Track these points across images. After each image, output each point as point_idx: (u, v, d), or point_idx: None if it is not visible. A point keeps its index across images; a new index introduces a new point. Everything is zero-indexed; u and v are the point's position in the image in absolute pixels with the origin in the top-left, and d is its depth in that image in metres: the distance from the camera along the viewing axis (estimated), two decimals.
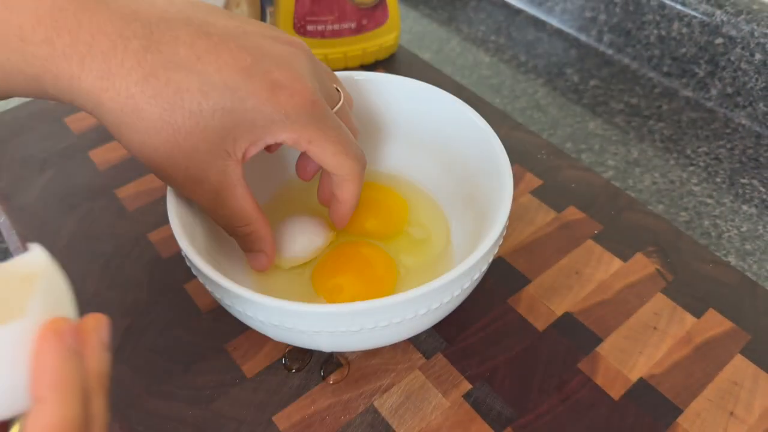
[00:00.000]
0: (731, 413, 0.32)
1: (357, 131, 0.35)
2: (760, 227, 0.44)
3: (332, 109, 0.32)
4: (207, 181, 0.29)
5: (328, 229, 0.38)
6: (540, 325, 0.36)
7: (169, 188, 0.31)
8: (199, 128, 0.27)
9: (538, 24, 0.65)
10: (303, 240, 0.36)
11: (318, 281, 0.36)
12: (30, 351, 0.16)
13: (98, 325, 0.18)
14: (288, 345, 0.35)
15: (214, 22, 0.28)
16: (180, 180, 0.29)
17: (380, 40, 0.55)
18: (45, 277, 0.17)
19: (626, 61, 0.59)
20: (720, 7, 0.51)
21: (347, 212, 0.35)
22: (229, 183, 0.29)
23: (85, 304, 0.37)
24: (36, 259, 0.17)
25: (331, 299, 0.35)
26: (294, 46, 0.30)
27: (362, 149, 0.33)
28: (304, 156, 0.36)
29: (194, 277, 0.38)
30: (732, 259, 0.42)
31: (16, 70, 0.26)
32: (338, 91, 0.34)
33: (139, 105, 0.26)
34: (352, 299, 0.34)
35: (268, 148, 0.32)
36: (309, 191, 0.40)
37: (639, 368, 0.34)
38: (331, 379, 0.33)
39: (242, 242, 0.33)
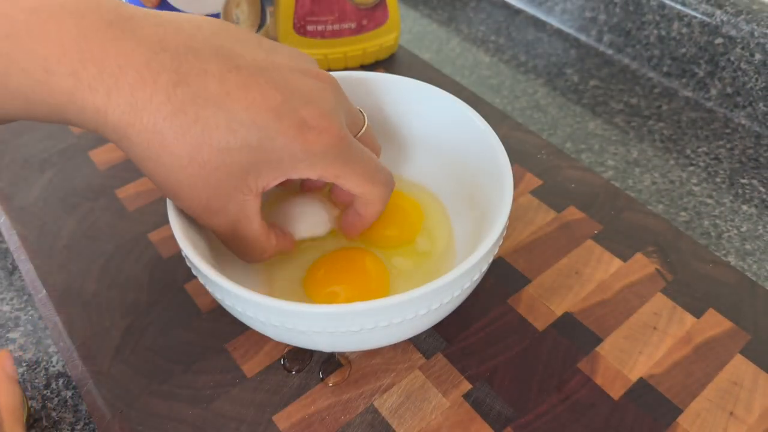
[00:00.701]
0: (731, 413, 0.32)
1: (380, 149, 0.36)
2: (759, 227, 0.44)
3: (357, 134, 0.33)
4: (225, 213, 0.29)
5: (332, 210, 0.37)
6: (540, 325, 0.36)
7: None
8: (225, 165, 0.27)
9: (538, 24, 0.65)
10: (311, 220, 0.36)
11: (311, 289, 0.35)
12: None
13: (2, 361, 0.19)
14: (287, 346, 0.35)
15: (243, 53, 0.28)
16: (198, 210, 0.29)
17: (380, 40, 0.55)
18: None
19: (626, 61, 0.59)
20: (720, 7, 0.51)
21: (363, 227, 0.35)
22: (247, 216, 0.29)
23: (85, 304, 0.37)
24: None
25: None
26: (321, 79, 0.30)
27: (389, 171, 0.33)
28: None
29: (194, 277, 0.38)
30: (732, 259, 0.42)
31: (40, 101, 0.26)
32: (361, 113, 0.34)
33: (166, 141, 0.26)
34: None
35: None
36: None
37: (639, 368, 0.34)
38: (331, 381, 0.33)
39: (250, 260, 0.33)
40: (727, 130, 0.52)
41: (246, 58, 0.28)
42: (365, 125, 0.34)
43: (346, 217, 0.35)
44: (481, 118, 0.36)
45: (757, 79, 0.50)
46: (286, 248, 0.34)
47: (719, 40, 0.51)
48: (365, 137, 0.34)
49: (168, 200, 0.31)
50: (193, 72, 0.26)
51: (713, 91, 0.54)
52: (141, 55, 0.25)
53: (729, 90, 0.53)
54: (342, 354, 0.35)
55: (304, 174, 0.29)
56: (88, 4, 0.26)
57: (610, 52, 0.60)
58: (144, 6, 0.46)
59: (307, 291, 0.35)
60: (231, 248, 0.32)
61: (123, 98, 0.25)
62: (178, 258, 0.39)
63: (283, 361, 0.34)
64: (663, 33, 0.55)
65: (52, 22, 0.25)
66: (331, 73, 0.39)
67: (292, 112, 0.28)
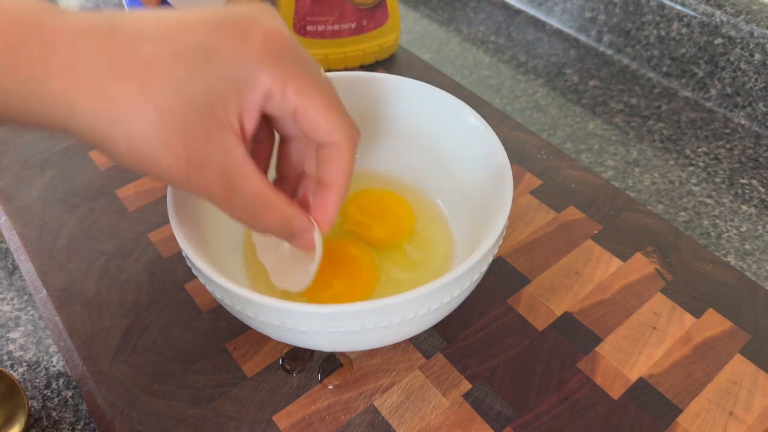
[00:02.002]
0: (731, 413, 0.32)
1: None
2: (759, 227, 0.44)
3: None
4: (211, 164, 0.26)
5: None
6: (539, 324, 0.36)
7: (169, 188, 0.31)
8: (182, 100, 0.25)
9: (538, 24, 0.65)
10: (299, 269, 0.32)
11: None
12: None
13: None
14: (286, 346, 0.35)
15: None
16: (183, 172, 0.26)
17: (380, 41, 0.55)
18: None
19: (626, 61, 0.59)
20: (719, 7, 0.51)
21: (338, 203, 0.30)
22: (237, 162, 0.26)
23: (85, 303, 0.37)
24: None
25: (315, 299, 0.35)
26: (265, 6, 0.29)
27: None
28: (284, 143, 0.33)
29: (194, 277, 0.38)
30: (731, 259, 0.42)
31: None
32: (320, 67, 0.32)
33: (111, 92, 0.24)
34: (334, 298, 0.34)
35: (271, 130, 0.30)
36: None
37: (638, 368, 0.34)
38: (330, 384, 0.33)
39: (281, 233, 0.29)
40: (727, 130, 0.52)
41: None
42: (324, 74, 0.31)
43: (314, 201, 0.31)
44: (481, 118, 0.36)
45: (756, 79, 0.50)
46: (321, 221, 0.30)
47: (719, 41, 0.52)
48: None
49: (168, 200, 0.31)
50: (126, 24, 0.25)
51: (713, 92, 0.54)
52: (73, 30, 0.24)
53: (728, 90, 0.53)
54: (342, 354, 0.35)
55: (262, 85, 0.26)
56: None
57: (609, 52, 0.60)
58: (145, 8, 0.46)
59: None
60: (241, 218, 0.28)
61: (58, 63, 0.24)
62: (178, 258, 0.39)
63: (282, 362, 0.34)
64: (663, 33, 0.55)
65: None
66: (331, 73, 0.40)
67: (234, 21, 0.26)
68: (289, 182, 0.33)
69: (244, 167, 0.27)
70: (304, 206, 0.32)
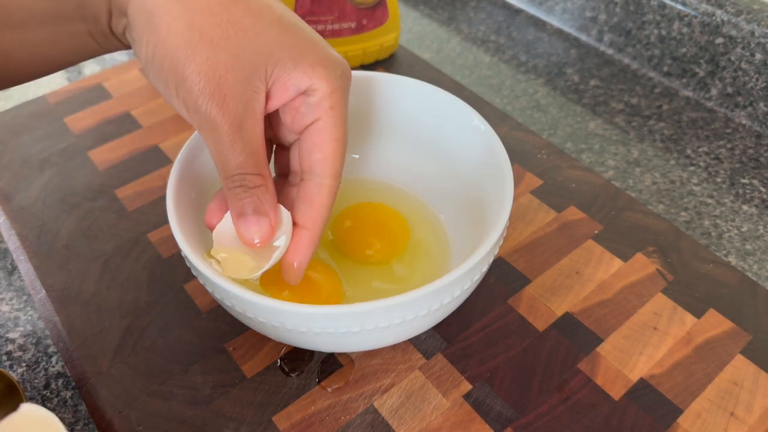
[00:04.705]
0: (732, 413, 0.32)
1: None
2: (760, 227, 0.44)
3: None
4: (235, 98, 0.26)
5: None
6: (540, 325, 0.36)
7: (169, 188, 0.31)
8: (254, 31, 0.26)
9: (538, 24, 0.65)
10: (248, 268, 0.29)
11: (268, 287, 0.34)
12: None
13: None
14: (284, 348, 0.35)
15: None
16: (208, 90, 0.25)
17: (380, 40, 0.55)
18: (54, 422, 0.22)
19: (626, 60, 0.59)
20: (720, 6, 0.51)
21: (312, 246, 0.29)
22: (255, 111, 0.27)
23: (84, 304, 0.37)
24: (41, 412, 0.22)
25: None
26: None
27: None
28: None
29: (194, 277, 0.38)
30: (732, 259, 0.42)
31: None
32: None
33: None
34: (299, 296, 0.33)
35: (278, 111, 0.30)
36: None
37: (639, 368, 0.34)
38: (329, 387, 0.33)
39: (248, 197, 0.28)
40: (728, 130, 0.52)
41: None
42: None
43: (297, 207, 0.29)
44: (482, 118, 0.36)
45: (757, 79, 0.50)
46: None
47: (720, 40, 0.51)
48: None
49: (168, 200, 0.31)
50: None
51: (714, 91, 0.54)
52: None
53: (729, 90, 0.53)
54: (342, 354, 0.35)
55: (314, 81, 0.27)
56: None
57: (610, 51, 0.60)
58: None
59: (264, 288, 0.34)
60: (230, 166, 0.27)
61: None
62: (178, 258, 0.39)
63: (281, 362, 0.34)
64: (663, 33, 0.55)
65: None
66: None
67: (321, 40, 0.28)
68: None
69: (258, 119, 0.27)
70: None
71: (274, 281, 0.33)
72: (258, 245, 0.28)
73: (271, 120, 0.31)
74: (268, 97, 0.27)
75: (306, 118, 0.28)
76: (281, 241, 0.29)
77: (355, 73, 0.39)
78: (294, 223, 0.29)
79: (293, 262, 0.29)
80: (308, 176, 0.29)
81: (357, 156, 0.42)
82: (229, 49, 0.25)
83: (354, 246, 0.38)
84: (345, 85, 0.29)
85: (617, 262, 0.39)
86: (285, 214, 0.29)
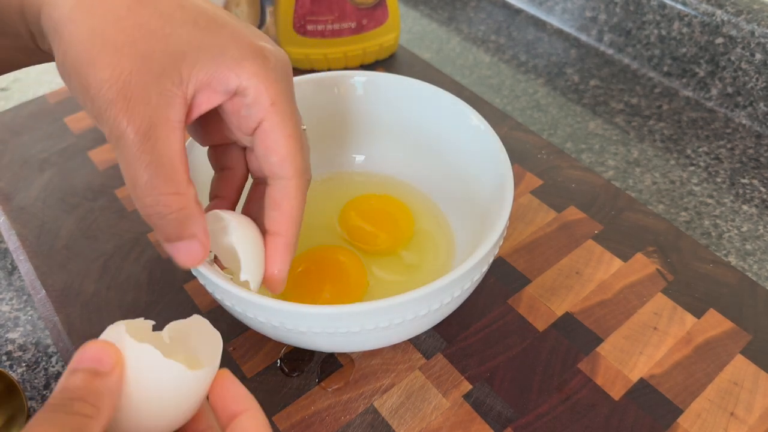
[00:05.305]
0: (732, 413, 0.32)
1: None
2: (760, 227, 0.44)
3: None
4: (142, 104, 0.23)
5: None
6: (540, 325, 0.36)
7: None
8: (163, 33, 0.24)
9: (538, 24, 0.65)
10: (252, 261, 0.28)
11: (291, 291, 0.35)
12: (208, 385, 0.22)
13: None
14: (284, 348, 0.35)
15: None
16: (115, 89, 0.23)
17: (380, 40, 0.55)
18: (218, 340, 0.23)
19: (626, 60, 0.59)
20: (720, 6, 0.51)
21: (289, 251, 0.28)
22: (167, 118, 0.24)
23: (84, 304, 0.37)
24: (203, 325, 0.23)
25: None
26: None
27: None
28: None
29: (193, 277, 0.38)
30: (732, 259, 0.42)
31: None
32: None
33: None
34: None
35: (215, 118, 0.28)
36: None
37: (639, 368, 0.34)
38: (330, 387, 0.33)
39: (166, 224, 0.25)
40: (728, 130, 0.52)
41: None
42: (303, 128, 0.29)
43: (267, 215, 0.28)
44: (482, 118, 0.36)
45: (757, 79, 0.50)
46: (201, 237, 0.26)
47: (720, 40, 0.51)
48: None
49: None
50: None
51: (714, 91, 0.54)
52: None
53: (729, 90, 0.53)
54: (343, 354, 0.35)
55: (245, 80, 0.25)
56: None
57: (610, 51, 0.60)
58: None
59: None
60: (139, 179, 0.24)
61: None
62: None
63: (280, 363, 0.34)
64: (663, 33, 0.55)
65: None
66: (330, 72, 0.40)
67: (248, 33, 0.26)
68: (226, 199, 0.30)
69: (171, 127, 0.24)
70: None
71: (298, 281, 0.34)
72: (198, 264, 0.27)
73: (229, 125, 0.28)
74: (192, 102, 0.25)
75: (250, 121, 0.26)
76: (250, 275, 0.27)
77: (355, 73, 0.39)
78: (266, 231, 0.28)
79: (273, 271, 0.28)
80: (271, 180, 0.27)
81: (358, 157, 0.43)
82: (134, 54, 0.24)
83: (360, 235, 0.38)
84: (282, 76, 0.26)
85: (617, 262, 0.39)
86: (246, 237, 0.27)
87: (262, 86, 0.25)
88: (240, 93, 0.25)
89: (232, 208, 0.31)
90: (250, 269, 0.27)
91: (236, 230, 0.27)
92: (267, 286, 0.28)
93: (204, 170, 0.32)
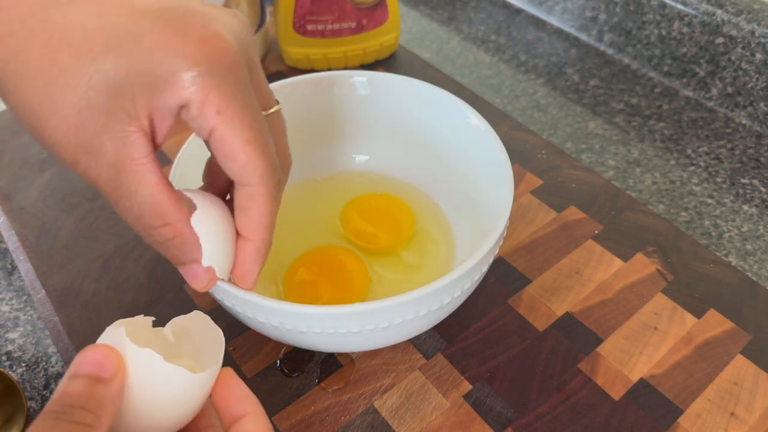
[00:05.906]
0: (732, 414, 0.32)
1: (290, 159, 0.29)
2: (760, 227, 0.44)
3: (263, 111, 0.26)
4: (102, 151, 0.23)
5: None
6: (540, 325, 0.36)
7: None
8: (91, 78, 0.22)
9: (539, 24, 0.65)
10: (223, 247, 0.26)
11: (290, 289, 0.36)
12: (211, 385, 0.23)
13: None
14: (283, 349, 0.35)
15: None
16: (71, 148, 0.23)
17: (380, 40, 0.55)
18: (220, 338, 0.23)
19: (626, 60, 0.59)
20: (720, 6, 0.51)
21: (258, 258, 0.27)
22: (131, 158, 0.23)
23: (84, 304, 0.37)
24: (205, 321, 0.24)
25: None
26: (234, 14, 0.25)
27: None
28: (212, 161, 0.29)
29: None
30: (732, 259, 0.42)
31: None
32: (276, 101, 0.28)
33: (19, 46, 0.22)
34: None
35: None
36: None
37: (639, 368, 0.34)
38: (330, 388, 0.33)
39: (166, 251, 0.25)
40: (728, 130, 0.52)
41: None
42: (276, 107, 0.27)
43: (237, 218, 0.26)
44: (482, 118, 0.36)
45: (757, 79, 0.50)
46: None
47: (720, 40, 0.51)
48: (274, 124, 0.27)
49: None
50: None
51: (714, 91, 0.54)
52: None
53: (730, 90, 0.53)
54: (342, 354, 0.35)
55: (182, 93, 0.23)
56: None
57: (610, 51, 0.60)
58: None
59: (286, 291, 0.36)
60: (130, 222, 0.25)
61: None
62: None
63: (280, 363, 0.34)
64: (664, 32, 0.55)
65: None
66: (329, 72, 0.39)
67: (174, 13, 0.23)
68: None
69: (138, 165, 0.23)
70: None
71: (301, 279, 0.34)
72: (207, 289, 0.27)
73: None
74: (154, 127, 0.24)
75: (202, 132, 0.24)
76: (214, 262, 0.26)
77: (355, 73, 0.39)
78: (238, 234, 0.26)
79: (241, 272, 0.27)
80: (238, 186, 0.25)
81: (356, 157, 0.43)
82: (73, 108, 0.23)
83: (361, 235, 0.39)
84: (227, 76, 0.23)
85: (617, 262, 0.39)
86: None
87: (200, 95, 0.23)
88: (185, 107, 0.24)
89: (222, 195, 0.29)
90: (213, 255, 0.25)
91: (199, 212, 0.25)
92: (236, 283, 0.28)
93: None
